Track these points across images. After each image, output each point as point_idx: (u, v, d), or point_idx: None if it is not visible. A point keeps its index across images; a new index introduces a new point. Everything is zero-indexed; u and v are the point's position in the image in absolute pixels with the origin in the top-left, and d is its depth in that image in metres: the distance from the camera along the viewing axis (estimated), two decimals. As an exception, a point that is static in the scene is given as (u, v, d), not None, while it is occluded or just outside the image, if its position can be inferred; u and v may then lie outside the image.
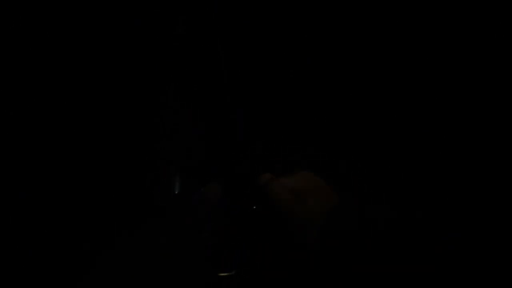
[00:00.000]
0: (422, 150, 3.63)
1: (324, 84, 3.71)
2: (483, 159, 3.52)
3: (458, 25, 3.62)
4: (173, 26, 3.39)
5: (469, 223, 3.45)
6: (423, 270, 3.30)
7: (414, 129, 3.63)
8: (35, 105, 3.31)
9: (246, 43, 3.62)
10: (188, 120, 3.40)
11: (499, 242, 3.34)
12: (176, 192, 3.23)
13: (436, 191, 3.56)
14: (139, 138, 3.39)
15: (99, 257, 3.10)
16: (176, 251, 3.02)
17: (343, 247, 2.67)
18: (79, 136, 3.35)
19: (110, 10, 3.37)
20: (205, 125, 3.45)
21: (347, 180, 3.66)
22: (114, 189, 3.31)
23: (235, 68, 3.58)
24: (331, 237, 2.63)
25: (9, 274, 3.03)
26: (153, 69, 3.42)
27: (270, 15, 3.59)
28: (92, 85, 3.39)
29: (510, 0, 3.48)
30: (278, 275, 2.95)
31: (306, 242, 2.64)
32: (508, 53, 3.50)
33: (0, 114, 3.24)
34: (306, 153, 3.70)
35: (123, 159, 3.37)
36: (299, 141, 3.66)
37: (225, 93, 3.51)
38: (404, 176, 3.63)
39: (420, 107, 3.64)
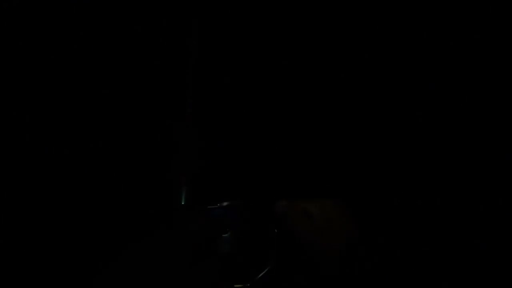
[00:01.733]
0: (422, 152, 3.66)
1: (323, 85, 3.73)
2: (483, 160, 3.56)
3: (454, 25, 3.65)
4: (187, 36, 3.43)
5: (469, 223, 3.48)
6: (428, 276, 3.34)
7: (414, 131, 3.65)
8: (48, 112, 3.36)
9: (246, 46, 3.65)
10: (203, 127, 3.44)
11: (499, 242, 3.37)
12: (183, 203, 3.25)
13: (436, 192, 3.59)
14: (152, 144, 3.43)
15: (108, 263, 3.12)
16: (188, 260, 3.03)
17: (362, 276, 2.72)
18: (91, 142, 3.38)
19: (123, 20, 3.42)
20: (224, 134, 3.50)
21: (348, 181, 3.68)
22: (124, 194, 3.35)
23: (238, 70, 3.61)
24: (349, 266, 2.67)
25: (13, 277, 3.06)
26: (166, 73, 3.47)
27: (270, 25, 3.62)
28: (106, 90, 3.42)
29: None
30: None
31: (325, 270, 2.69)
32: (508, 54, 3.52)
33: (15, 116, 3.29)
34: (306, 153, 3.72)
35: (135, 164, 3.41)
36: (299, 144, 3.69)
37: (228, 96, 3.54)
38: (405, 176, 3.66)
39: (419, 107, 3.66)
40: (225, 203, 3.22)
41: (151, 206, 3.34)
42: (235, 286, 2.87)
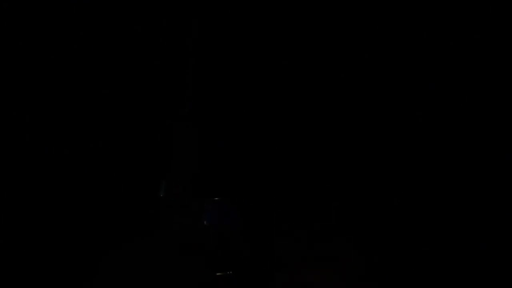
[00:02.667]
0: (421, 152, 3.65)
1: (323, 85, 3.73)
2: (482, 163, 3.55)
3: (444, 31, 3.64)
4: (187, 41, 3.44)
5: (469, 223, 3.48)
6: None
7: (414, 131, 3.64)
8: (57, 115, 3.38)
9: (245, 46, 3.65)
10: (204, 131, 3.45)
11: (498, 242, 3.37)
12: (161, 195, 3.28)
13: (436, 192, 3.59)
14: (152, 144, 3.44)
15: (104, 257, 3.15)
16: (175, 251, 3.08)
17: None
18: (91, 142, 3.39)
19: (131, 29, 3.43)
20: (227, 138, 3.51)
21: (348, 182, 3.68)
22: (124, 193, 3.36)
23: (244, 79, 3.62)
24: None
25: (17, 273, 3.07)
26: (168, 78, 3.47)
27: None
28: (106, 90, 3.43)
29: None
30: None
31: None
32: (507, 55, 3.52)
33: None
34: (305, 153, 3.72)
35: (135, 163, 3.42)
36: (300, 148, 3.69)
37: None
38: (404, 178, 3.65)
39: (419, 107, 3.66)
40: (216, 199, 3.25)
41: (150, 205, 3.35)
42: (218, 274, 2.95)
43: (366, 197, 3.68)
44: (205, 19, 3.55)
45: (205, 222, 3.21)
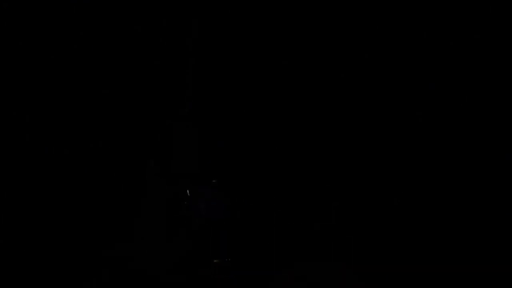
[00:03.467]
0: (421, 152, 3.65)
1: (323, 85, 3.73)
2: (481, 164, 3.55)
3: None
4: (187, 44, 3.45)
5: (469, 223, 3.48)
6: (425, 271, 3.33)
7: (414, 131, 3.65)
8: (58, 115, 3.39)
9: (245, 46, 3.65)
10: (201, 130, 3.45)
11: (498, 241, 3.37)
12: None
13: (436, 192, 3.59)
14: (152, 144, 3.44)
15: (99, 256, 3.16)
16: (172, 240, 3.09)
17: None
18: (91, 142, 3.40)
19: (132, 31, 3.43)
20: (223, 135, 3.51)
21: (348, 182, 3.68)
22: (124, 193, 3.37)
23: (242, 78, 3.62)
24: None
25: (10, 274, 3.07)
26: (168, 79, 3.48)
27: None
28: (106, 90, 3.43)
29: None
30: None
31: None
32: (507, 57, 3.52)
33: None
34: (305, 153, 3.72)
35: (135, 163, 3.43)
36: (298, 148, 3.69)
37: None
38: (404, 177, 3.65)
39: (419, 107, 3.66)
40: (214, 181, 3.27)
41: (150, 205, 3.35)
42: (215, 261, 2.99)
43: (366, 197, 3.68)
44: (205, 19, 3.55)
45: (203, 220, 3.21)
